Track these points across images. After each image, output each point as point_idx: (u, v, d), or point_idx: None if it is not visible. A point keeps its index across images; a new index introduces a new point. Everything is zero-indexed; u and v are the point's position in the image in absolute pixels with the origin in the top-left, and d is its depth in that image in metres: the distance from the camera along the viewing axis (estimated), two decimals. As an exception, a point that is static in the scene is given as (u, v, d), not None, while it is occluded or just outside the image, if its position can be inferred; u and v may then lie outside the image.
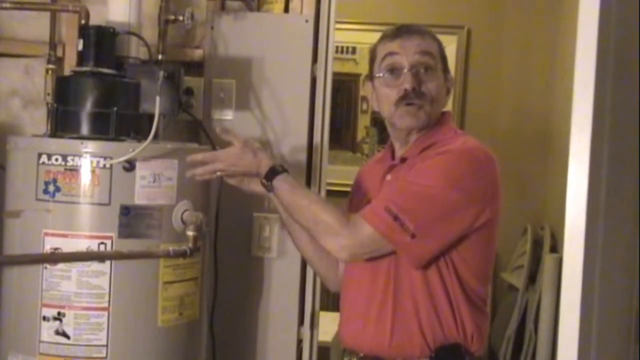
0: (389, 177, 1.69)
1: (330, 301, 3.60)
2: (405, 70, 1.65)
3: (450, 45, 3.76)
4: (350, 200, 1.85)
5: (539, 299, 3.33)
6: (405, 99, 1.64)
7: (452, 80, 1.72)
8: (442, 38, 1.77)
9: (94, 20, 1.88)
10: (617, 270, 1.33)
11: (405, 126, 1.66)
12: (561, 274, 1.36)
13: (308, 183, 2.19)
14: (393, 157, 1.74)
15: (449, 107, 1.78)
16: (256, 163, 1.67)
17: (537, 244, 3.55)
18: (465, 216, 1.57)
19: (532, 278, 3.49)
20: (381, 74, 1.69)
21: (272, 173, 1.65)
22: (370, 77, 1.75)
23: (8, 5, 1.99)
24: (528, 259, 3.50)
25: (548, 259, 3.26)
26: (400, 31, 1.69)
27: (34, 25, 2.22)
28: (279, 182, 1.64)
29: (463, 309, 1.61)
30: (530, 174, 3.90)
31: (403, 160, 1.68)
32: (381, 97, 1.70)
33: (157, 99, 1.78)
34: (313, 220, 1.61)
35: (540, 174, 3.84)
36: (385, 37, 1.71)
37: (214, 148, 1.93)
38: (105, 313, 1.71)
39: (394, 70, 1.67)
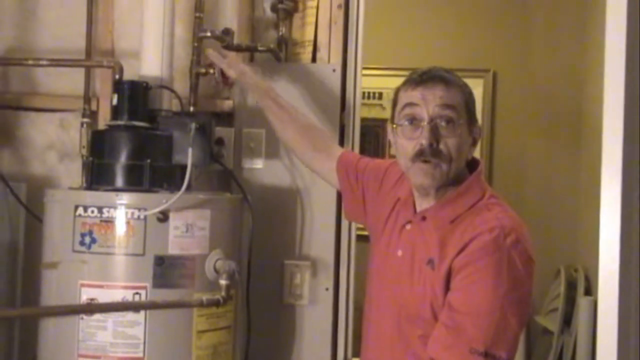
0: (408, 227, 1.64)
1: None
2: (425, 124, 1.55)
3: (477, 89, 3.76)
4: (363, 169, 1.83)
5: (574, 343, 3.27)
6: (421, 155, 1.55)
7: (479, 131, 1.62)
8: (468, 82, 1.64)
9: (127, 74, 1.93)
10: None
11: (419, 184, 1.59)
12: (596, 317, 1.35)
13: (338, 230, 2.21)
14: (414, 204, 1.66)
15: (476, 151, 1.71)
16: None
17: (571, 286, 3.49)
18: (526, 311, 1.53)
19: (567, 321, 3.43)
20: (400, 124, 1.60)
21: None
22: (392, 120, 1.65)
23: (45, 62, 2.05)
24: (562, 301, 3.44)
25: (583, 302, 3.21)
26: (423, 78, 1.58)
27: (68, 80, 2.27)
28: None
29: None
30: (561, 214, 3.87)
31: (423, 217, 1.61)
32: (399, 148, 1.62)
33: (190, 150, 1.81)
34: None
35: (571, 214, 3.80)
36: (408, 83, 1.60)
37: (245, 197, 1.95)
38: (140, 363, 1.72)
39: (412, 121, 1.57)
